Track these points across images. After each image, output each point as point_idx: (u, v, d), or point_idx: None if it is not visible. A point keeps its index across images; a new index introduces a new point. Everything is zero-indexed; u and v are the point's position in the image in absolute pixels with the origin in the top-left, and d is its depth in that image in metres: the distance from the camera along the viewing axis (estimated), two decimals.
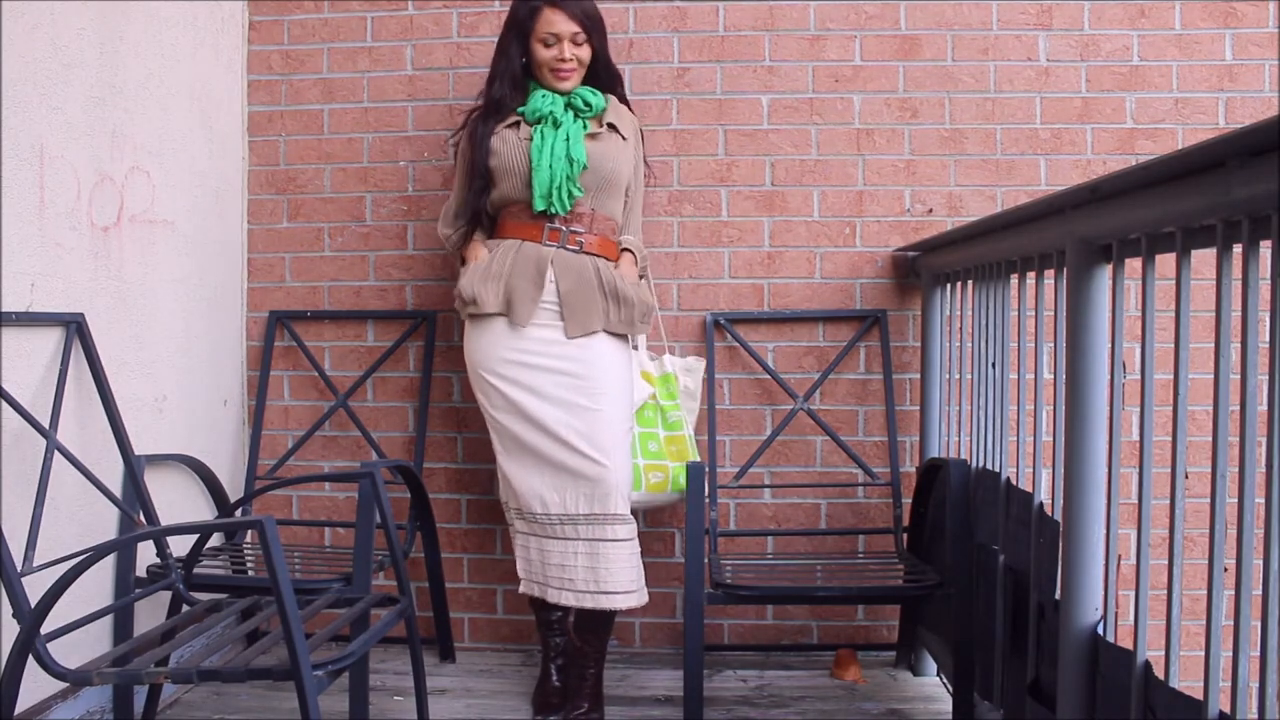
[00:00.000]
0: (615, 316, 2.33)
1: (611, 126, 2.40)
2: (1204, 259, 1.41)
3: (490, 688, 2.57)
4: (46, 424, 1.98)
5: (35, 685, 1.95)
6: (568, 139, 2.32)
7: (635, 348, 2.50)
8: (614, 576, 2.24)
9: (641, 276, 2.45)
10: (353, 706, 2.04)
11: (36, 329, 2.02)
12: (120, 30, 2.29)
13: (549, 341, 2.30)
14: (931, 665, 2.59)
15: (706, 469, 2.51)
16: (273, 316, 2.90)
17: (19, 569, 1.72)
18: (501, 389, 2.31)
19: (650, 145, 2.81)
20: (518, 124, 2.38)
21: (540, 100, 2.37)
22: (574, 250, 2.33)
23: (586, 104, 2.39)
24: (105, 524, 2.21)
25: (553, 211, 2.31)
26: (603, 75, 2.45)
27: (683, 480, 2.36)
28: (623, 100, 2.51)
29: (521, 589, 2.37)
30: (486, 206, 2.42)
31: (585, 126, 2.37)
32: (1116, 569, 1.52)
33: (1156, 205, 1.32)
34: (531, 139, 2.33)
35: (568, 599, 2.27)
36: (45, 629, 1.61)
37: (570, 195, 2.31)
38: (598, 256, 2.35)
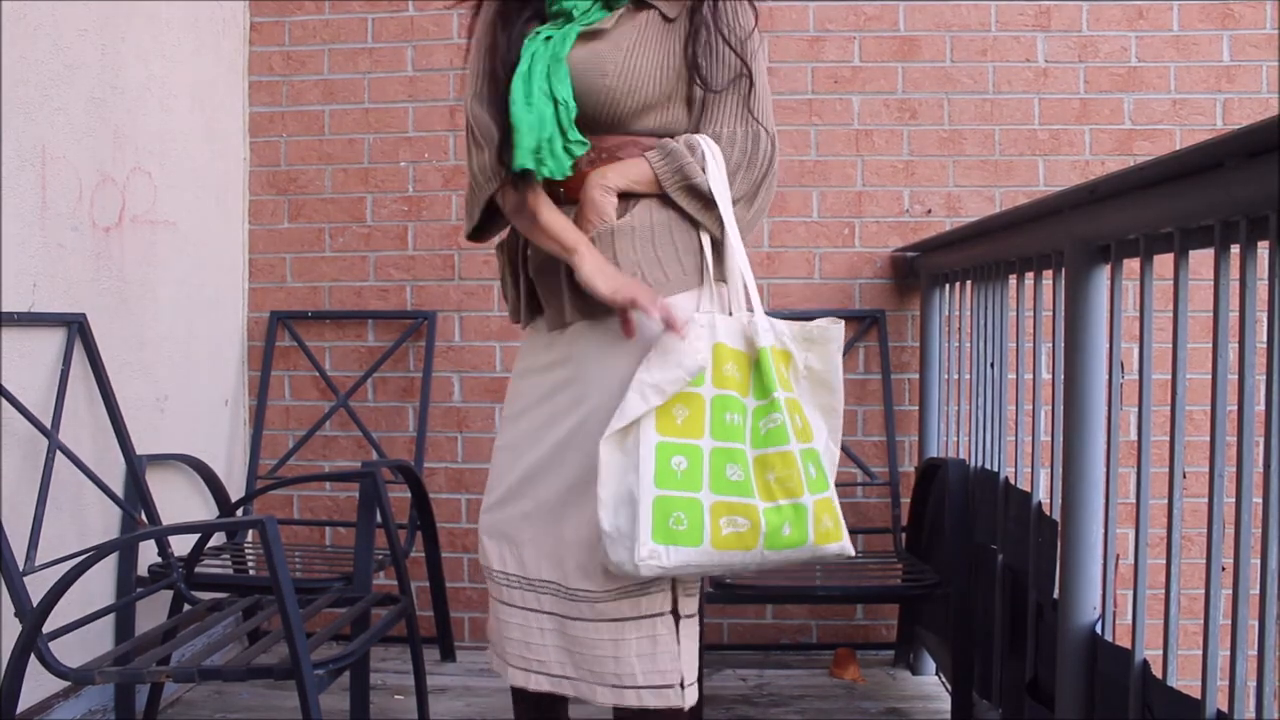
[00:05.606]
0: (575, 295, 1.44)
1: (641, 3, 1.46)
2: (1202, 259, 1.41)
3: (491, 686, 2.57)
4: (48, 424, 1.98)
5: (37, 684, 1.95)
6: (551, 59, 1.41)
7: (729, 312, 1.45)
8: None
9: (683, 184, 1.42)
10: (353, 705, 2.05)
11: (39, 329, 2.02)
12: (122, 31, 2.29)
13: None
14: (930, 664, 2.60)
15: None
16: (274, 317, 2.90)
17: (21, 568, 1.73)
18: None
19: None
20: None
21: None
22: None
23: None
24: (107, 523, 2.22)
25: (545, 175, 1.40)
26: None
27: (789, 532, 1.36)
28: None
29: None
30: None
31: (599, 16, 1.45)
32: (1115, 568, 1.53)
33: (1154, 206, 1.32)
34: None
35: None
36: (47, 628, 1.61)
37: (568, 153, 1.40)
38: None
